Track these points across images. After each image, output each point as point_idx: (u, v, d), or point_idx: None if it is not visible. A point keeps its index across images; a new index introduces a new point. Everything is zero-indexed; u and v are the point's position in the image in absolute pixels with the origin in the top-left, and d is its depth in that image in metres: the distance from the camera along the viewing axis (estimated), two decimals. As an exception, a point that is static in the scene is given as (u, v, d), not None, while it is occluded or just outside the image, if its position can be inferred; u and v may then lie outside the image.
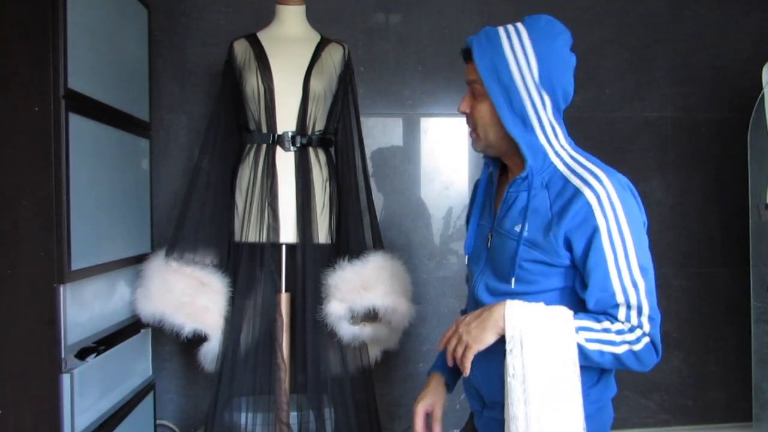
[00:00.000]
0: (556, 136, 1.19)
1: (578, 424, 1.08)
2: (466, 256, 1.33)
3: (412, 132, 2.52)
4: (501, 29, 1.20)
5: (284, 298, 1.93)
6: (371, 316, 1.89)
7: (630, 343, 1.10)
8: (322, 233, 1.93)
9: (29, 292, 1.49)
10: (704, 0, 2.64)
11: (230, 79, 1.98)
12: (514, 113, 1.16)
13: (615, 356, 1.10)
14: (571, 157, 1.18)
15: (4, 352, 1.49)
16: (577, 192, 1.11)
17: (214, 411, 1.87)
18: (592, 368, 1.16)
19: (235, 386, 1.89)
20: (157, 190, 2.31)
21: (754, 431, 2.29)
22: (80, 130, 1.58)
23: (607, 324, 1.11)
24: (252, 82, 1.90)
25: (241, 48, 1.96)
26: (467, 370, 1.11)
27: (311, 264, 1.90)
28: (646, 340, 1.10)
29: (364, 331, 1.90)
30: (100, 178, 1.73)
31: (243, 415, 1.90)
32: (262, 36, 1.98)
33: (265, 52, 1.93)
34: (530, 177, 1.17)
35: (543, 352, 1.07)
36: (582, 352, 1.09)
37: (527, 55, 1.17)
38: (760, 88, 2.23)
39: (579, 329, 1.09)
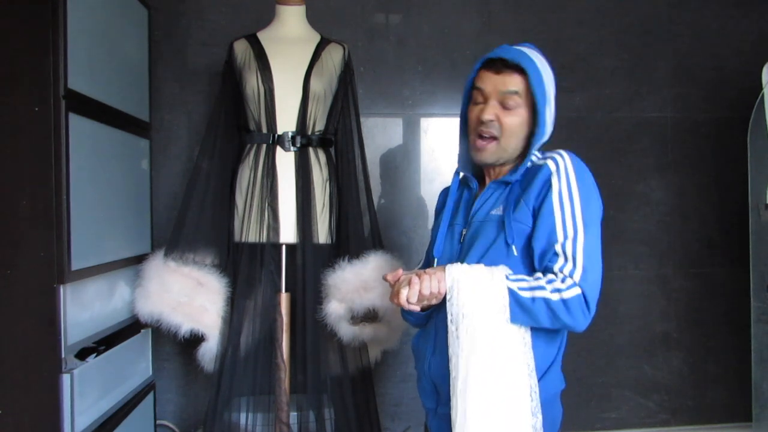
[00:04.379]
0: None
1: (516, 373, 1.17)
2: (435, 259, 1.39)
3: (412, 132, 2.52)
4: (527, 50, 1.30)
5: (284, 298, 1.93)
6: (371, 316, 1.89)
7: (560, 291, 1.18)
8: (322, 233, 1.93)
9: (29, 292, 1.49)
10: (704, 0, 2.64)
11: (230, 79, 1.98)
12: (545, 128, 1.30)
13: (546, 302, 1.17)
14: (538, 154, 1.34)
15: (4, 352, 1.49)
16: (541, 166, 1.27)
17: (213, 411, 1.87)
18: (542, 357, 1.24)
19: (235, 386, 1.89)
20: (157, 190, 2.31)
21: (754, 431, 2.29)
22: (80, 130, 1.58)
23: (539, 275, 1.22)
24: (252, 83, 1.90)
25: (241, 48, 1.96)
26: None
27: (311, 264, 1.90)
28: (577, 290, 1.18)
29: (364, 331, 1.90)
30: (100, 178, 1.73)
31: (243, 415, 1.90)
32: (262, 36, 1.98)
33: (265, 53, 1.93)
34: (517, 178, 1.29)
35: (474, 296, 1.17)
36: (515, 298, 1.18)
37: (550, 77, 1.31)
38: (760, 88, 2.23)
39: (512, 279, 1.19)
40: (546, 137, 1.31)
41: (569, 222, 1.21)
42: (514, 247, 1.23)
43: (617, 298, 2.58)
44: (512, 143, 1.29)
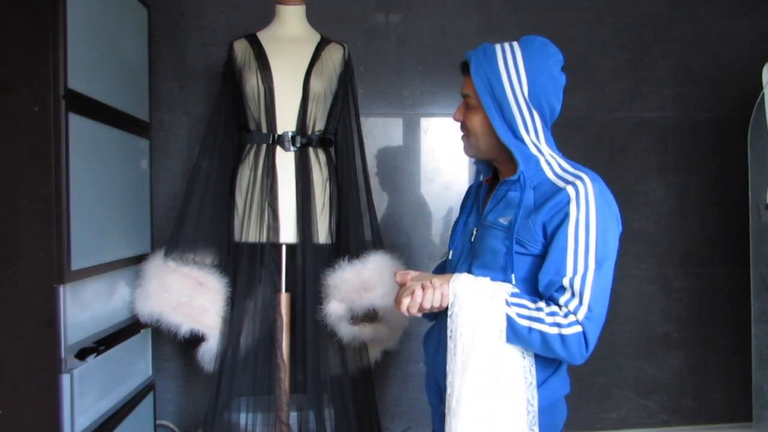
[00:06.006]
0: (545, 146, 1.29)
1: (512, 392, 1.17)
2: (450, 251, 1.40)
3: (412, 132, 2.52)
4: (498, 47, 1.28)
5: (284, 298, 1.93)
6: (371, 316, 1.89)
7: (560, 326, 1.16)
8: (322, 233, 1.93)
9: (29, 292, 1.49)
10: (704, 0, 2.64)
11: (230, 79, 1.98)
12: (505, 124, 1.26)
13: (543, 336, 1.16)
14: (560, 166, 1.28)
15: (4, 352, 1.49)
16: (561, 189, 1.21)
17: (213, 411, 1.87)
18: (544, 364, 1.24)
19: (235, 386, 1.89)
20: (157, 190, 2.31)
21: (754, 431, 2.29)
22: (80, 130, 1.58)
23: (541, 305, 1.19)
24: (252, 82, 1.90)
25: (241, 48, 1.96)
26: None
27: (311, 264, 1.90)
28: (578, 328, 1.16)
29: (364, 331, 1.90)
30: (100, 178, 1.73)
31: (243, 415, 1.90)
32: (262, 36, 1.98)
33: (265, 52, 1.93)
34: (522, 180, 1.26)
35: (472, 317, 1.17)
36: (512, 325, 1.17)
37: (519, 73, 1.25)
38: (760, 88, 2.23)
39: (512, 304, 1.18)
40: (519, 130, 1.26)
41: (581, 257, 1.17)
42: (513, 276, 1.23)
43: (617, 298, 2.56)
44: (480, 142, 1.31)
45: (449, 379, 1.19)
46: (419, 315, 1.25)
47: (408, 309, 1.21)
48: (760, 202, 2.24)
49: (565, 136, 2.53)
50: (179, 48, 2.37)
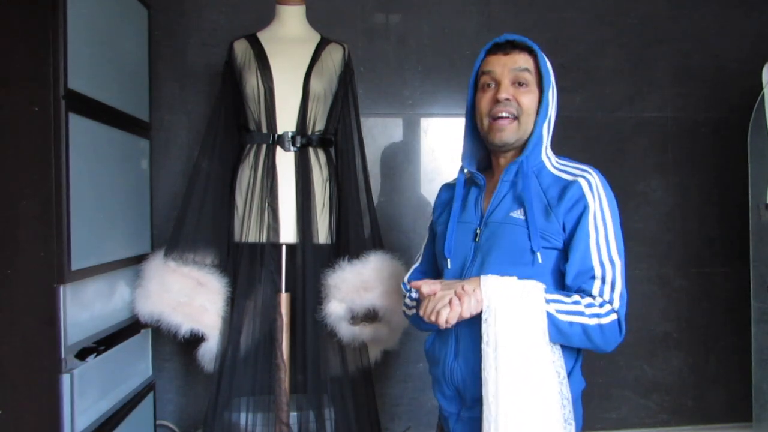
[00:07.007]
0: (549, 136, 1.33)
1: (551, 392, 1.15)
2: (448, 259, 1.33)
3: (412, 132, 2.52)
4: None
5: (284, 298, 1.93)
6: (371, 316, 1.89)
7: (599, 316, 1.17)
8: (322, 233, 1.93)
9: (29, 292, 1.49)
10: (704, 0, 2.64)
11: (230, 79, 1.98)
12: (548, 108, 1.28)
13: (584, 328, 1.16)
14: (558, 161, 1.31)
15: (4, 352, 1.49)
16: (571, 182, 1.23)
17: (213, 411, 1.87)
18: (566, 358, 1.23)
19: (234, 386, 1.89)
20: (157, 190, 2.31)
21: (754, 431, 2.29)
22: (80, 130, 1.58)
23: (576, 298, 1.18)
24: (252, 83, 1.90)
25: (241, 48, 1.96)
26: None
27: (311, 264, 1.90)
28: (614, 316, 1.18)
29: (364, 331, 1.90)
30: (100, 178, 1.73)
31: (243, 415, 1.90)
32: (262, 36, 1.98)
33: (265, 53, 1.93)
34: (524, 164, 1.26)
35: (514, 320, 1.14)
36: (553, 322, 1.16)
37: (548, 63, 1.32)
38: (760, 88, 2.23)
39: (550, 301, 1.17)
40: (550, 120, 1.29)
41: (603, 246, 1.20)
42: (539, 255, 1.21)
43: (617, 298, 2.57)
44: (530, 123, 1.28)
45: (490, 387, 1.14)
46: (450, 326, 1.20)
47: (447, 320, 1.16)
48: (760, 202, 2.24)
49: (565, 136, 2.53)
50: (179, 48, 2.37)
